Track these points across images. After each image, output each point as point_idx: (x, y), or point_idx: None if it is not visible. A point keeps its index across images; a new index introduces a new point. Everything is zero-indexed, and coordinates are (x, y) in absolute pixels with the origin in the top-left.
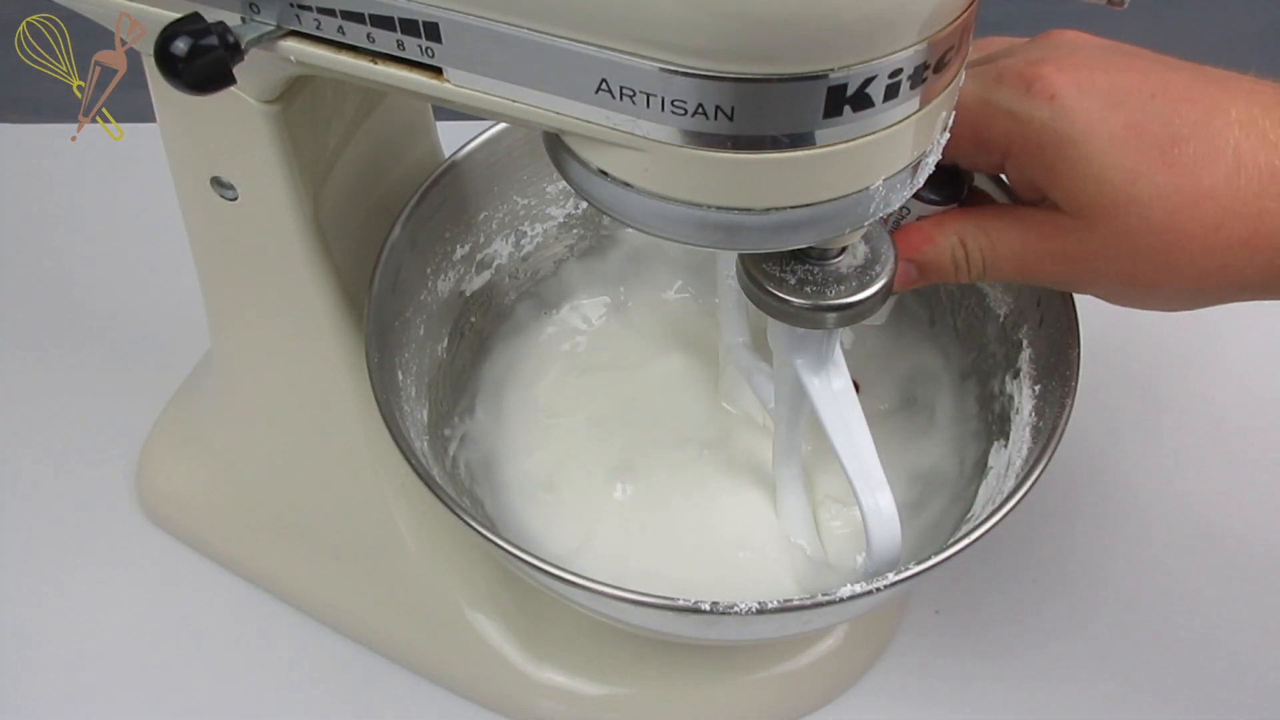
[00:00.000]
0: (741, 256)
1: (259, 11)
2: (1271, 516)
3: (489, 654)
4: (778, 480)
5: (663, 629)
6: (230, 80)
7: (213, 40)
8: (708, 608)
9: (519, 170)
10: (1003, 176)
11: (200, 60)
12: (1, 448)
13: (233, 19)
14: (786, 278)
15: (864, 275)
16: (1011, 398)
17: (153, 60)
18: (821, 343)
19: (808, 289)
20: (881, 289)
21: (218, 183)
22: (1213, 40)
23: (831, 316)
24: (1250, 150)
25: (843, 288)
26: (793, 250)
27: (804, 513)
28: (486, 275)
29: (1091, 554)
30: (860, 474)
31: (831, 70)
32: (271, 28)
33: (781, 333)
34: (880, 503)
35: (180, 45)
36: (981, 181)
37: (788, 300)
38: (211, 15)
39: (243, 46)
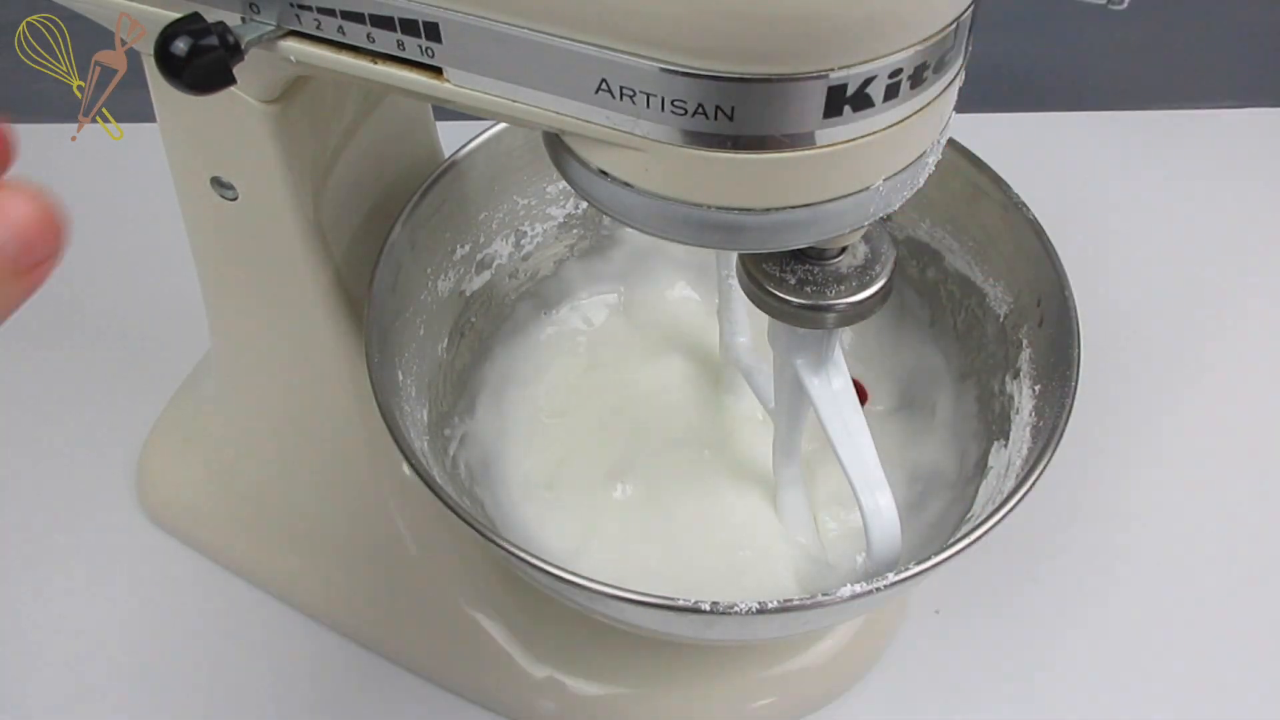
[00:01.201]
0: (742, 256)
1: (259, 11)
2: (1272, 516)
3: (489, 654)
4: (778, 480)
5: (663, 629)
6: (230, 80)
7: (213, 40)
8: (708, 608)
9: (519, 170)
10: None
11: (200, 60)
12: (1, 448)
13: (233, 19)
14: (786, 277)
15: (864, 275)
16: (1011, 398)
17: (153, 60)
18: (821, 343)
19: (807, 289)
20: (882, 289)
21: (218, 183)
22: (1213, 40)
23: (831, 316)
24: None
25: (842, 288)
26: (793, 250)
27: (804, 512)
28: (486, 275)
29: (1091, 554)
30: (860, 474)
31: (831, 70)
32: (271, 27)
33: (781, 332)
34: (880, 503)
35: (180, 45)
36: None
37: (787, 300)
38: (211, 15)
39: (243, 46)
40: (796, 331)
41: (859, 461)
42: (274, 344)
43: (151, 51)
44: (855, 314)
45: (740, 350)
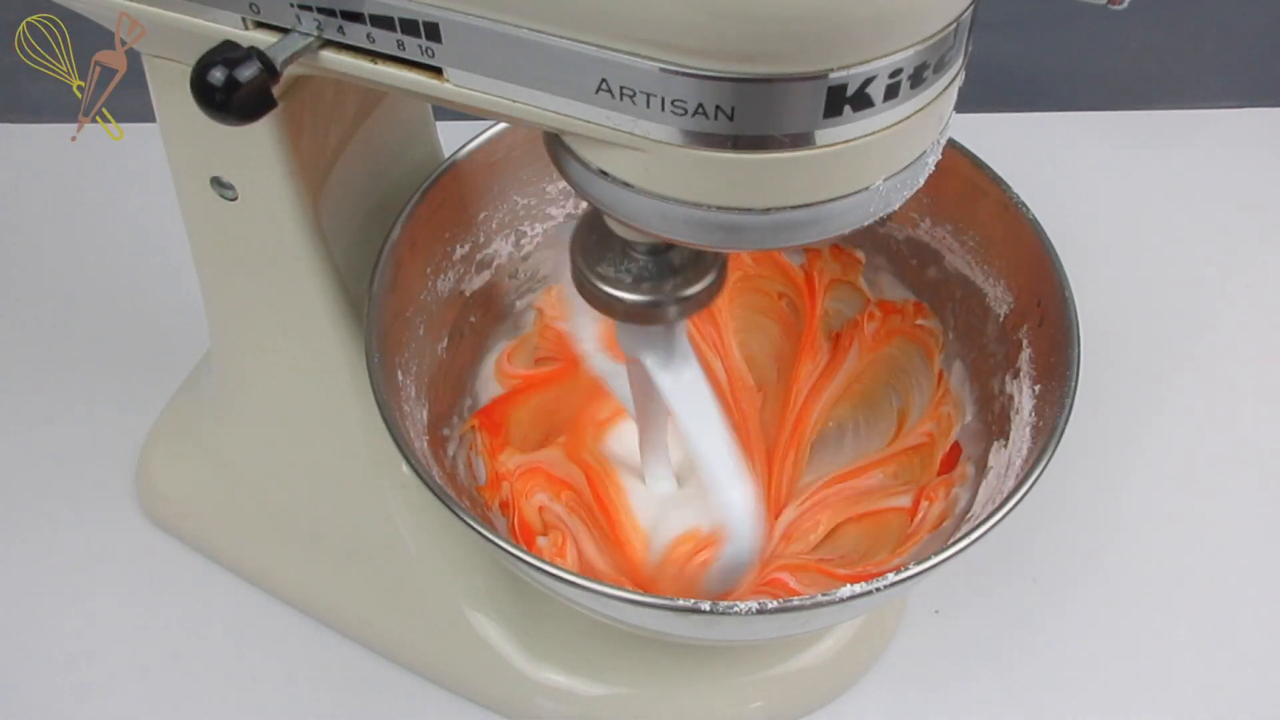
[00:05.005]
0: (575, 263)
1: (259, 11)
2: (1271, 516)
3: (489, 654)
4: (650, 483)
5: (662, 629)
6: (273, 103)
7: (254, 68)
8: (707, 608)
9: (519, 170)
10: None
11: (244, 90)
12: (2, 448)
13: (263, 40)
14: (622, 277)
15: (699, 264)
16: (1011, 398)
17: (154, 65)
18: (666, 337)
19: (644, 285)
20: (718, 276)
21: (218, 183)
22: (1213, 40)
23: (673, 309)
24: None
25: (679, 279)
26: (622, 248)
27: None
28: (486, 275)
29: (1091, 554)
30: (712, 468)
31: (831, 70)
32: (310, 39)
33: (625, 333)
34: (733, 497)
35: (218, 75)
36: None
37: (623, 299)
38: (213, 18)
39: (278, 67)
40: (640, 329)
41: (711, 455)
42: (274, 344)
43: (152, 52)
44: (696, 304)
45: (595, 357)
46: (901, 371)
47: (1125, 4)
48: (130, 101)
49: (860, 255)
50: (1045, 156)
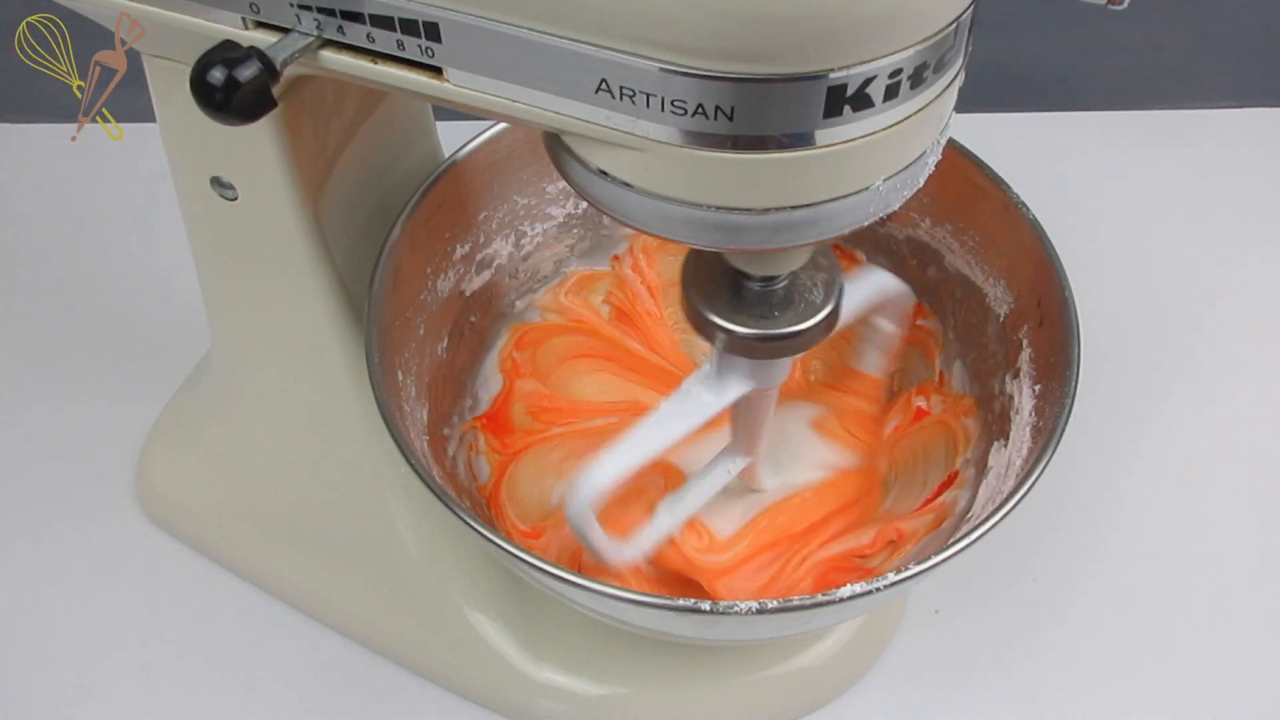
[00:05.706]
0: (714, 322)
1: (259, 11)
2: (1271, 516)
3: (489, 654)
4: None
5: (662, 629)
6: (274, 103)
7: (254, 67)
8: (708, 608)
9: (519, 170)
10: None
11: (245, 89)
12: (2, 448)
13: (263, 40)
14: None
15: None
16: (1011, 398)
17: (153, 63)
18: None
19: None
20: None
21: (218, 183)
22: (1213, 40)
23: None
24: None
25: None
26: (735, 285)
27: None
28: (486, 275)
29: (1091, 554)
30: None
31: (831, 70)
32: (310, 39)
33: (756, 367)
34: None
35: (218, 75)
36: None
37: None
38: (213, 18)
39: (278, 67)
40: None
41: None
42: (274, 344)
43: (152, 52)
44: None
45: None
46: (901, 372)
47: (1125, 4)
48: (130, 101)
49: (860, 255)
50: (1045, 156)
